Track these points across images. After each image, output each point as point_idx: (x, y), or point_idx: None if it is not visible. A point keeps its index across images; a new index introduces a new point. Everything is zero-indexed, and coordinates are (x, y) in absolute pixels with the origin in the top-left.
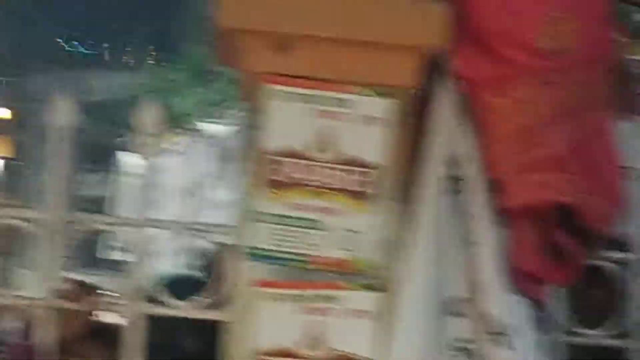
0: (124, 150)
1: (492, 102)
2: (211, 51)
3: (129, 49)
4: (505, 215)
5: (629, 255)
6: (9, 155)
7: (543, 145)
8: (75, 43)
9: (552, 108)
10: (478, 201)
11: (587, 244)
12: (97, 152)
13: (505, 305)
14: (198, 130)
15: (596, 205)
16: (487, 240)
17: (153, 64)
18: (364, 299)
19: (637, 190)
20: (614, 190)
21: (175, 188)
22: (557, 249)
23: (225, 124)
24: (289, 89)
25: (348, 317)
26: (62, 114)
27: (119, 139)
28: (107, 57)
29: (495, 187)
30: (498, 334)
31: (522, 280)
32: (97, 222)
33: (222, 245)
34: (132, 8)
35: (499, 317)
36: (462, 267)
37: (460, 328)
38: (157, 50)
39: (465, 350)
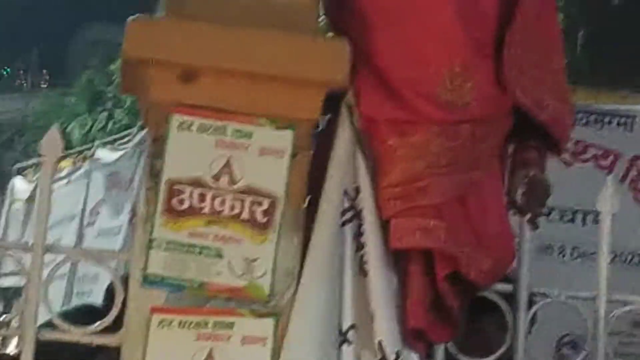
0: (17, 174)
1: (389, 144)
2: (110, 77)
3: (22, 71)
4: (397, 258)
5: (514, 287)
6: None
7: (428, 192)
8: None
9: (442, 158)
10: (371, 232)
11: (467, 296)
12: None
13: (394, 335)
14: (93, 157)
15: (477, 260)
16: (379, 271)
17: (47, 88)
18: (260, 326)
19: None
20: (495, 247)
21: (69, 214)
22: (442, 306)
23: (121, 151)
24: (191, 118)
25: (243, 344)
26: None
27: (12, 163)
28: None
29: (384, 226)
30: None
31: (409, 335)
32: None
33: (117, 271)
34: (27, 31)
35: (388, 346)
36: (355, 296)
37: (350, 356)
38: (52, 74)
39: None
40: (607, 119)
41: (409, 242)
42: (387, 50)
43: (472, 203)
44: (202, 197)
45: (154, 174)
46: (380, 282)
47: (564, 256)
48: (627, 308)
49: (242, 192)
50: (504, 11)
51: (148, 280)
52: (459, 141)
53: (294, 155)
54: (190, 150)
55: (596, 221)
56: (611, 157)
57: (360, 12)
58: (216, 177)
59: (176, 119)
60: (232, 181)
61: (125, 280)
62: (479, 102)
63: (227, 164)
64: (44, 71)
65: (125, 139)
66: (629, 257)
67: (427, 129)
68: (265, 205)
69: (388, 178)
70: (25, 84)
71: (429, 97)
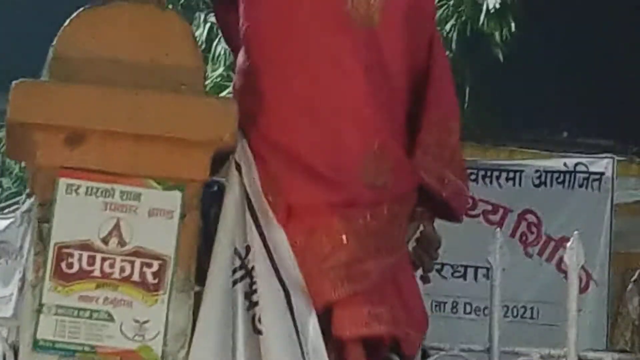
0: None
1: (335, 229)
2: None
3: None
4: (335, 344)
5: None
6: None
7: (370, 275)
8: None
9: (375, 241)
10: (267, 291)
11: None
12: None
13: None
14: None
15: (414, 338)
16: (276, 328)
17: None
18: None
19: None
20: (421, 321)
21: None
22: None
23: (8, 219)
24: (78, 182)
25: None
26: None
27: None
28: None
29: (323, 314)
30: None
31: None
32: None
33: (7, 339)
34: None
35: None
36: (248, 355)
37: None
38: None
39: None
40: (495, 174)
41: (366, 331)
42: (304, 137)
43: (401, 282)
44: (91, 261)
45: (42, 238)
46: (277, 340)
47: (456, 311)
48: (520, 359)
49: (132, 254)
50: (413, 86)
51: (39, 346)
52: (382, 222)
53: (183, 216)
54: (78, 213)
55: (487, 276)
56: (500, 212)
57: (271, 101)
58: (105, 240)
59: (63, 182)
60: (122, 243)
61: (16, 347)
62: (395, 182)
63: (116, 227)
64: None
65: (13, 207)
66: (521, 310)
67: (362, 211)
68: (155, 267)
69: (332, 259)
70: None
71: (356, 180)
